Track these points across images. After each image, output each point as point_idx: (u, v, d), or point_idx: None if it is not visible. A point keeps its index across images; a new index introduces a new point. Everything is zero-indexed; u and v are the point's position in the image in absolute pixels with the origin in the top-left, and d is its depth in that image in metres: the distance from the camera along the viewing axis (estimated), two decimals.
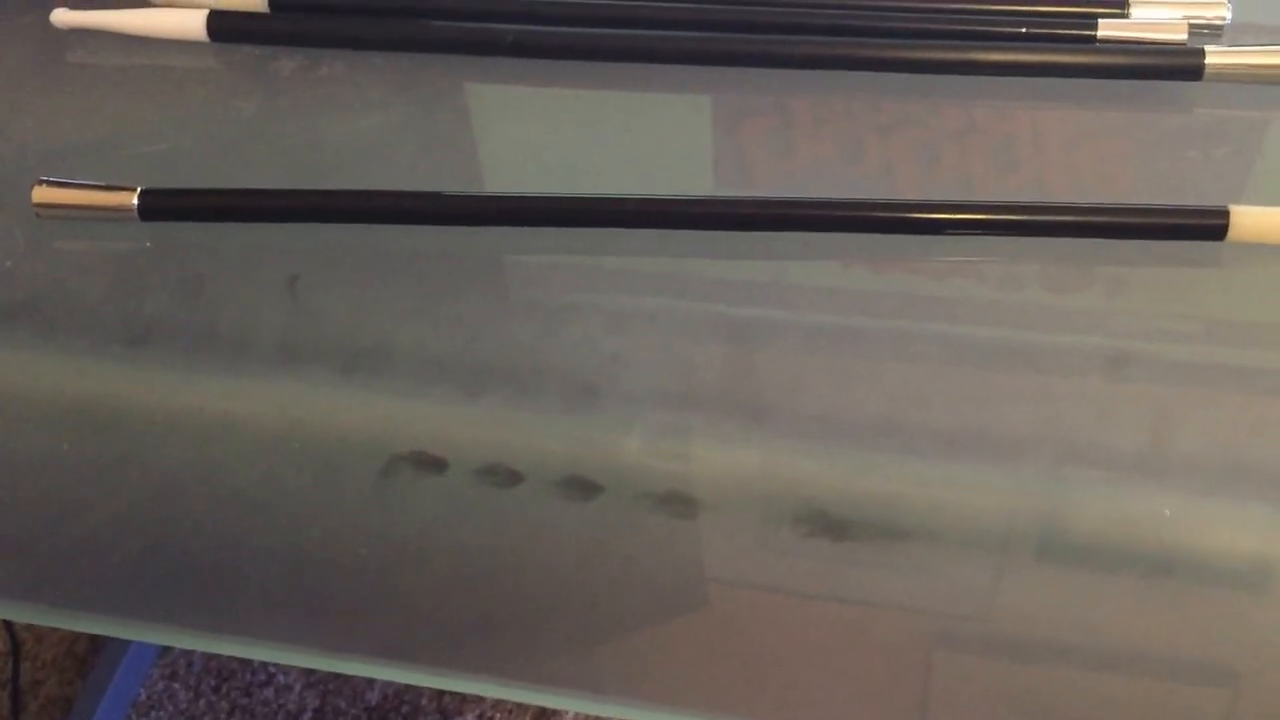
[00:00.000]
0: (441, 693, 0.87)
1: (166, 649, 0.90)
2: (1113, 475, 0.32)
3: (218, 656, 0.90)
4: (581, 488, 0.33)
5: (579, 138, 0.44)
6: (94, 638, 0.91)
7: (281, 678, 0.89)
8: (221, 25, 0.46)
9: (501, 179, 0.43)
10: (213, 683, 0.89)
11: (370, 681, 0.89)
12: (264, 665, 0.90)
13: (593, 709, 0.31)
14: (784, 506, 0.32)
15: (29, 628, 0.91)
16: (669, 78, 0.44)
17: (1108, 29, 0.42)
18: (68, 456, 0.35)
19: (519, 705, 0.87)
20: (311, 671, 0.89)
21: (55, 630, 0.91)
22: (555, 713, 0.85)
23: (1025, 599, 0.31)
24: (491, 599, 0.32)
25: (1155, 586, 0.31)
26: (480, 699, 0.88)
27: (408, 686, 0.88)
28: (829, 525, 0.31)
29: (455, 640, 0.31)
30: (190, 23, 0.45)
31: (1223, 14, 0.43)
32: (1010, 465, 0.33)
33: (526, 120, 0.45)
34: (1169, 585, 0.31)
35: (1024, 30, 0.42)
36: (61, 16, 0.46)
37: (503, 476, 0.33)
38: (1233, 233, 0.36)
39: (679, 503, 0.32)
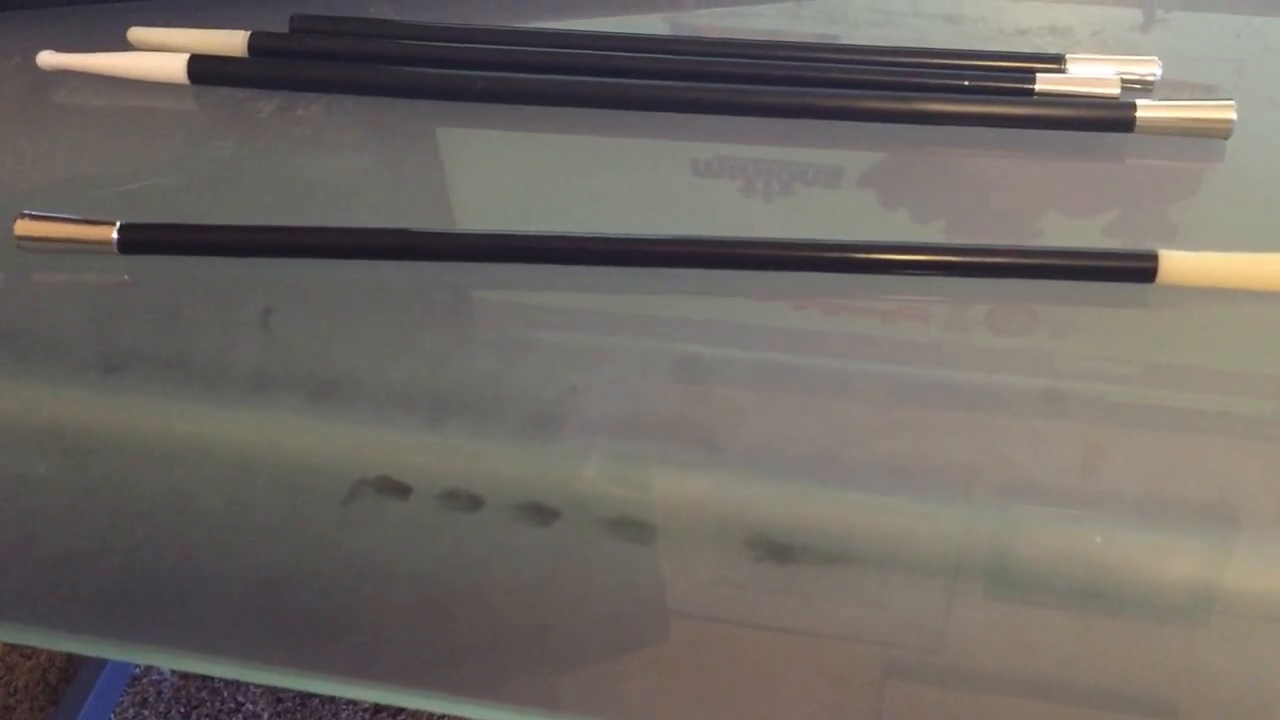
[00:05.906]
0: None
1: (136, 678, 0.90)
2: (1050, 506, 0.33)
3: (187, 686, 0.90)
4: (540, 513, 0.33)
5: (545, 180, 0.45)
6: (66, 666, 0.91)
7: (250, 706, 0.89)
8: (201, 69, 0.47)
9: (470, 219, 0.44)
10: (182, 710, 0.88)
11: (335, 712, 0.89)
12: (232, 694, 0.89)
13: None
14: (734, 532, 0.33)
15: (1, 656, 0.91)
16: (634, 124, 0.46)
17: (1045, 83, 0.44)
18: (44, 480, 0.35)
19: None
20: (279, 700, 0.89)
21: (27, 658, 0.91)
22: None
23: (965, 625, 0.31)
24: (452, 619, 0.32)
25: (1089, 612, 0.31)
26: None
27: (372, 717, 0.88)
28: (776, 550, 0.32)
29: (417, 659, 0.32)
30: (172, 66, 0.46)
31: (1154, 70, 0.46)
32: (951, 495, 0.34)
33: (495, 163, 0.46)
34: (1100, 610, 0.31)
35: (965, 83, 0.44)
36: (47, 58, 0.47)
37: (464, 502, 0.34)
38: (1162, 276, 0.38)
39: (633, 527, 0.33)
